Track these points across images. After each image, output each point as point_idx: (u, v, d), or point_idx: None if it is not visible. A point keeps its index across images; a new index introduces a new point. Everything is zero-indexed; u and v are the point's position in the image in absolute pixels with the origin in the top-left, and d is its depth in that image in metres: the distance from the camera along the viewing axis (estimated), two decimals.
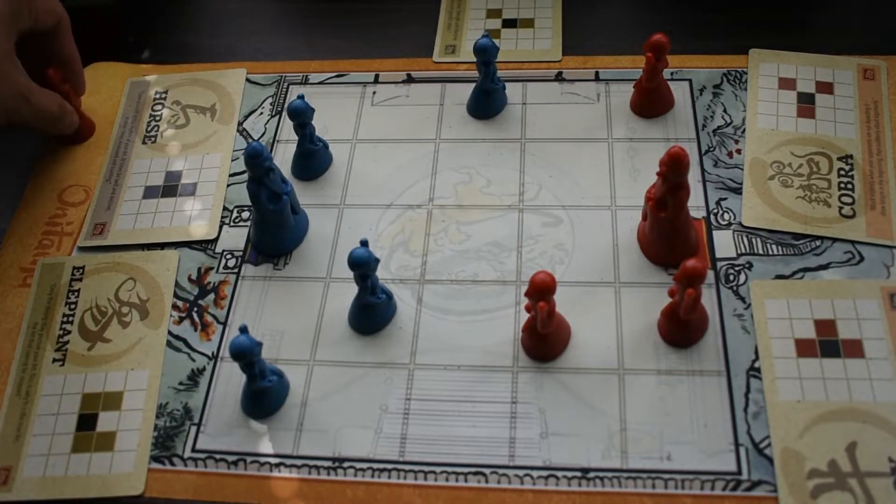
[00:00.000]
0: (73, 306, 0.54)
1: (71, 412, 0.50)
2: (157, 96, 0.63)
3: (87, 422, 0.49)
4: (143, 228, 0.57)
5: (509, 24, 0.66)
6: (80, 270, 0.55)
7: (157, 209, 0.57)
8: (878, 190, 0.53)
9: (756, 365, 0.48)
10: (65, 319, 0.53)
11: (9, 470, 0.48)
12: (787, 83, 0.59)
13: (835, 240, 0.52)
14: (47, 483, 0.47)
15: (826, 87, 0.58)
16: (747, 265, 0.51)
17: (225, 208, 0.57)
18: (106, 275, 0.55)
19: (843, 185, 0.54)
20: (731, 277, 0.51)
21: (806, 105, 0.58)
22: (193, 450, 0.48)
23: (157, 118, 0.62)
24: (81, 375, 0.51)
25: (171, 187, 0.58)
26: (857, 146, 0.55)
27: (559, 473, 0.45)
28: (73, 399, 0.50)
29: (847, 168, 0.55)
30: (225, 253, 0.55)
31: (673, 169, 0.47)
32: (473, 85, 0.60)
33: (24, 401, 0.50)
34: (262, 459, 0.47)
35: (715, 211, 0.54)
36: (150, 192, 0.58)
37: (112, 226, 0.57)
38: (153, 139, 0.61)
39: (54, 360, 0.52)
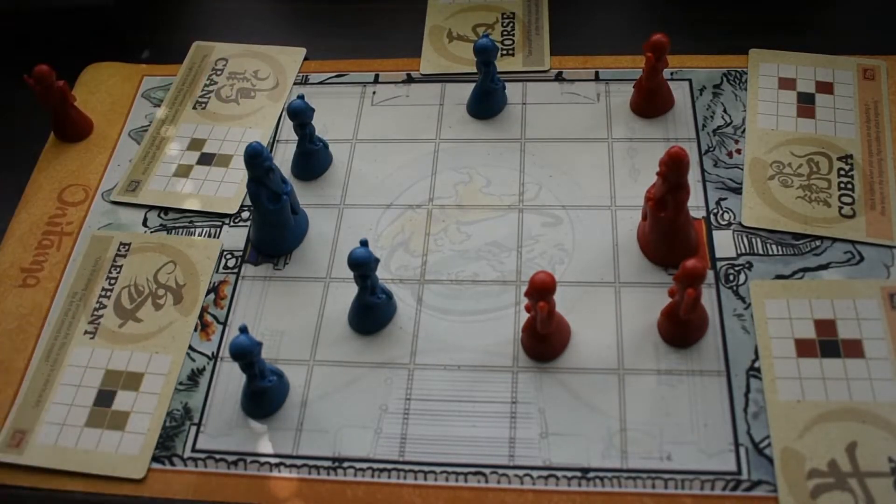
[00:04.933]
0: (112, 281, 0.54)
1: (92, 386, 0.50)
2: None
3: (104, 398, 0.50)
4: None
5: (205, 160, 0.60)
6: (126, 247, 0.56)
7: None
8: (878, 190, 0.53)
9: (756, 365, 0.48)
10: (103, 293, 0.54)
11: (24, 434, 0.48)
12: (787, 83, 0.59)
13: (835, 240, 0.52)
14: (57, 452, 0.48)
15: (826, 87, 0.59)
16: (747, 265, 0.51)
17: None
18: (149, 255, 0.55)
19: (843, 185, 0.54)
20: (731, 277, 0.51)
21: (806, 105, 0.58)
22: (193, 450, 0.48)
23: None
24: (108, 351, 0.51)
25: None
26: (857, 146, 0.55)
27: (559, 473, 0.45)
28: (96, 373, 0.50)
29: (847, 168, 0.55)
30: (225, 253, 0.55)
31: (673, 169, 0.47)
32: (473, 85, 0.60)
33: (51, 367, 0.51)
34: (262, 459, 0.47)
35: (715, 211, 0.54)
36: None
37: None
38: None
39: (86, 332, 0.52)
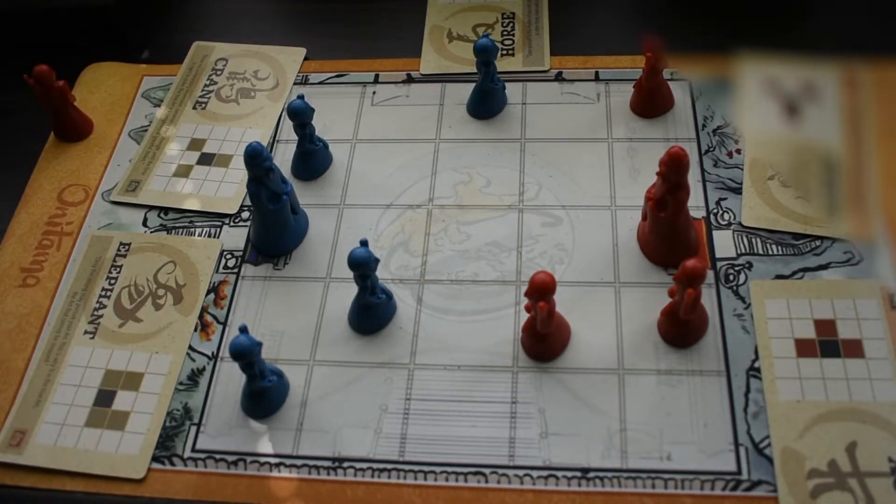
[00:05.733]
0: (112, 281, 0.54)
1: (92, 386, 0.50)
2: None
3: (104, 398, 0.50)
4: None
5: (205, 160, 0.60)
6: (126, 247, 0.56)
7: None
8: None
9: (756, 365, 0.48)
10: (103, 293, 0.54)
11: (24, 433, 0.48)
12: (780, 84, 0.59)
13: (835, 240, 0.52)
14: (57, 452, 0.48)
15: (814, 91, 0.58)
16: (747, 265, 0.51)
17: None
18: (149, 254, 0.55)
19: None
20: (731, 277, 0.51)
21: (796, 108, 0.58)
22: (193, 450, 0.48)
23: None
24: (108, 351, 0.51)
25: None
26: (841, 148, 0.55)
27: (559, 473, 0.45)
28: (96, 373, 0.51)
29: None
30: (225, 253, 0.55)
31: (673, 169, 0.47)
32: (473, 85, 0.60)
33: (51, 367, 0.51)
34: (262, 459, 0.47)
35: (715, 211, 0.54)
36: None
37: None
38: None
39: (85, 332, 0.52)
